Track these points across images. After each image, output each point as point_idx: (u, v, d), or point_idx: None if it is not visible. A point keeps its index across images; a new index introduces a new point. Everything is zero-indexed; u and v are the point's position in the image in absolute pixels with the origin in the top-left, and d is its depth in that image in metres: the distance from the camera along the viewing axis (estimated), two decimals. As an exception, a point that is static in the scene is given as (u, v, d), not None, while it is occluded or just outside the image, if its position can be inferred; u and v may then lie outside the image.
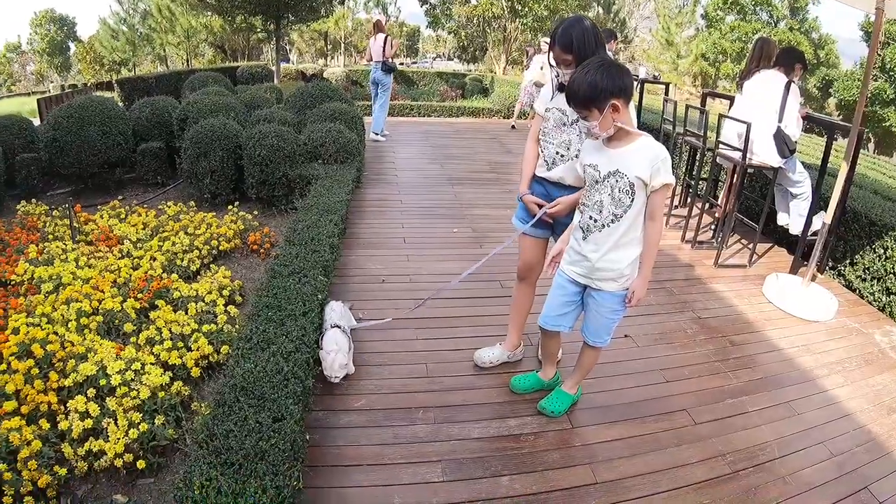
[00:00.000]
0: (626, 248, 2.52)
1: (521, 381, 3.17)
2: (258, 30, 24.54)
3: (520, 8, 24.23)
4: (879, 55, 28.24)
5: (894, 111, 29.86)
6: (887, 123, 30.14)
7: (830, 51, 34.56)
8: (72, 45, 51.60)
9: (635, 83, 2.65)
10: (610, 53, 7.69)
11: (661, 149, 2.39)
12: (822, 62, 33.92)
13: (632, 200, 2.43)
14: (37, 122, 8.52)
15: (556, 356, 3.19)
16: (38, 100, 14.42)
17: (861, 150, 5.05)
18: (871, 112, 29.99)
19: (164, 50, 33.77)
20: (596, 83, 2.27)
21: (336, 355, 3.03)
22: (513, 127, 12.15)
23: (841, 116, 31.77)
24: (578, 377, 3.00)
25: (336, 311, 3.40)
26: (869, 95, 28.99)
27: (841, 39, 35.74)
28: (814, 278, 4.64)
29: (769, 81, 4.85)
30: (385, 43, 9.70)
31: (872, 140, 31.87)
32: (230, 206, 5.68)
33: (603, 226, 2.51)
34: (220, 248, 4.93)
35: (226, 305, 3.89)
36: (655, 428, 3.00)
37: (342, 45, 42.61)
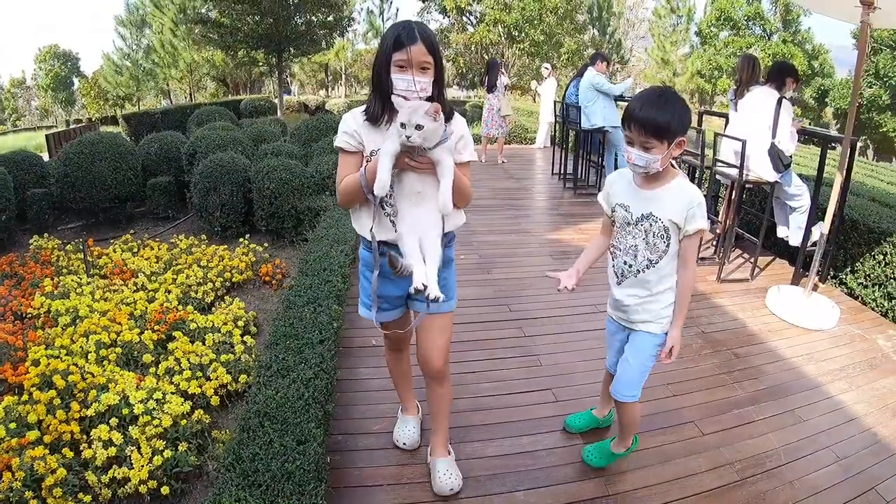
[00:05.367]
0: (663, 296, 2.43)
1: (576, 420, 3.09)
2: (260, 63, 24.83)
3: (517, 34, 24.53)
4: (872, 62, 28.38)
5: (891, 117, 29.97)
6: (884, 129, 30.25)
7: (825, 60, 34.87)
8: (76, 81, 52.18)
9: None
10: (600, 75, 7.88)
11: (696, 192, 2.30)
12: (816, 72, 34.19)
13: (667, 245, 2.34)
14: (45, 157, 8.68)
15: (611, 399, 2.91)
16: (46, 135, 14.65)
17: (860, 158, 5.10)
18: (867, 119, 30.13)
19: (168, 84, 34.14)
20: (676, 115, 2.16)
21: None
22: (503, 161, 10.76)
23: (838, 125, 32.00)
24: (626, 438, 2.77)
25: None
26: (865, 102, 29.15)
27: (835, 47, 36.16)
28: (815, 288, 4.71)
29: (761, 98, 4.95)
30: None
31: (871, 147, 31.97)
32: (241, 239, 5.80)
33: (638, 271, 2.42)
34: (234, 279, 5.05)
35: (242, 336, 3.98)
36: (664, 440, 3.04)
37: (343, 75, 43.07)
